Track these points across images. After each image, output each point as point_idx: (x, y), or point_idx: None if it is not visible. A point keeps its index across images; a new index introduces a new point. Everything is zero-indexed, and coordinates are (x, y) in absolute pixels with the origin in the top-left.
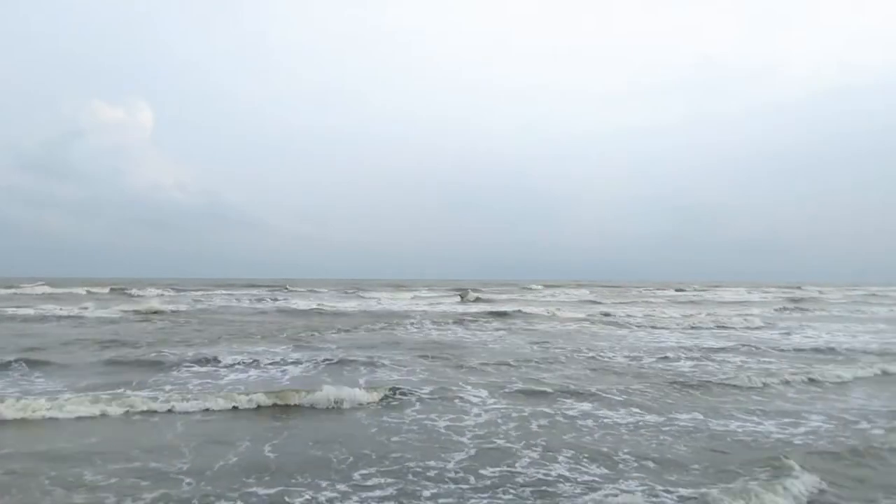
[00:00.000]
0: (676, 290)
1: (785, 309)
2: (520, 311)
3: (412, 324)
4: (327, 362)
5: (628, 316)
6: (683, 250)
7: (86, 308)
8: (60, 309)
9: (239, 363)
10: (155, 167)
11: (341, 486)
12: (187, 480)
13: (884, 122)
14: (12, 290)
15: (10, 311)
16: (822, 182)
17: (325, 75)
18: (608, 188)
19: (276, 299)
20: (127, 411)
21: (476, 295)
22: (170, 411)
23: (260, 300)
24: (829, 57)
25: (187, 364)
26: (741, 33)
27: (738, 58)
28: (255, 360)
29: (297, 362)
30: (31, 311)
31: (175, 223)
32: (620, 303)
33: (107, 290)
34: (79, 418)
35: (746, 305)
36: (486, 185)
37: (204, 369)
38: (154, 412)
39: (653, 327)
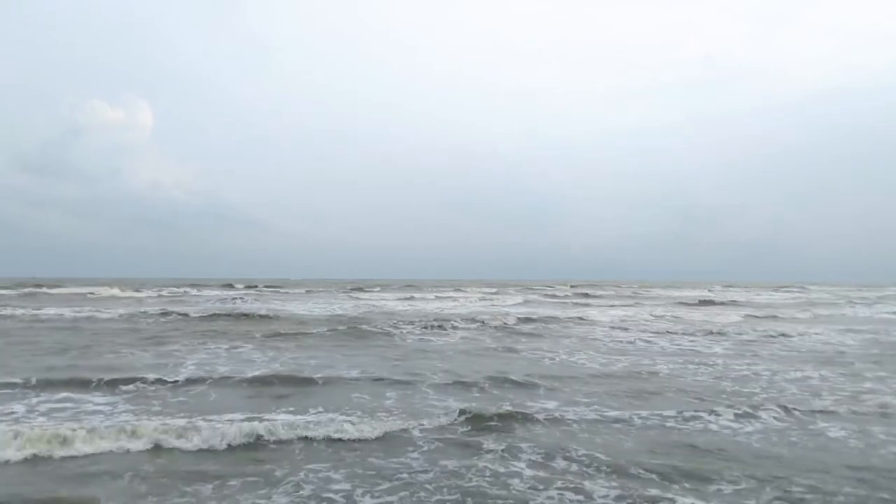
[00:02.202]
0: (709, 290)
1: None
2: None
3: (397, 327)
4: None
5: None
6: (683, 250)
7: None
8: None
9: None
10: (155, 167)
11: None
12: None
13: (884, 122)
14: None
15: None
16: (822, 182)
17: (326, 75)
18: (608, 188)
19: (244, 299)
20: None
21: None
22: None
23: (235, 300)
24: (829, 57)
25: None
26: (742, 33)
27: (740, 57)
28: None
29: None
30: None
31: (175, 223)
32: (655, 305)
33: (107, 290)
34: None
35: (788, 307)
36: (487, 185)
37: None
38: None
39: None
